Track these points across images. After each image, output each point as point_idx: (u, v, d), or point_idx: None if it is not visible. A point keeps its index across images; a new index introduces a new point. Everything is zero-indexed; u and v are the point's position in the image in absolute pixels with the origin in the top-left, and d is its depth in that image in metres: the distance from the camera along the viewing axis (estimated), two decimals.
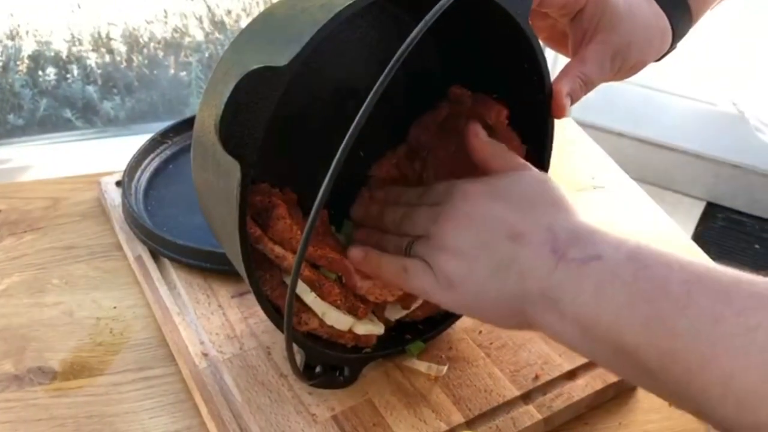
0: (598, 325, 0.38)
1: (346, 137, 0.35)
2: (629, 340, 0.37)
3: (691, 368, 0.34)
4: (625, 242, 0.39)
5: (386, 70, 0.35)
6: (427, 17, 0.36)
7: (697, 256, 0.65)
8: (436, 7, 0.36)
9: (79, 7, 1.44)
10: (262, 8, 1.47)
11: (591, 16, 0.51)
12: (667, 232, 0.78)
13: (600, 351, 0.39)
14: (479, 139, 0.49)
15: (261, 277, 0.48)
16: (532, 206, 0.43)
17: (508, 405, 0.54)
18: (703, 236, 1.85)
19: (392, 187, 0.55)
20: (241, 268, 0.45)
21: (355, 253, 0.49)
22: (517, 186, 0.45)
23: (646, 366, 0.36)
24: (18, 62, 1.45)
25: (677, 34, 0.55)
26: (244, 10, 1.60)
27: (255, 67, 0.38)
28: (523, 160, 0.48)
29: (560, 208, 0.43)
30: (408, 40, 0.35)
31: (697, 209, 1.94)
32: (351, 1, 0.39)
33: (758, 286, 0.34)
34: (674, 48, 0.57)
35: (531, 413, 0.53)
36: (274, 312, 0.47)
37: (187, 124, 0.79)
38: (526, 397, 0.55)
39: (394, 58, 0.35)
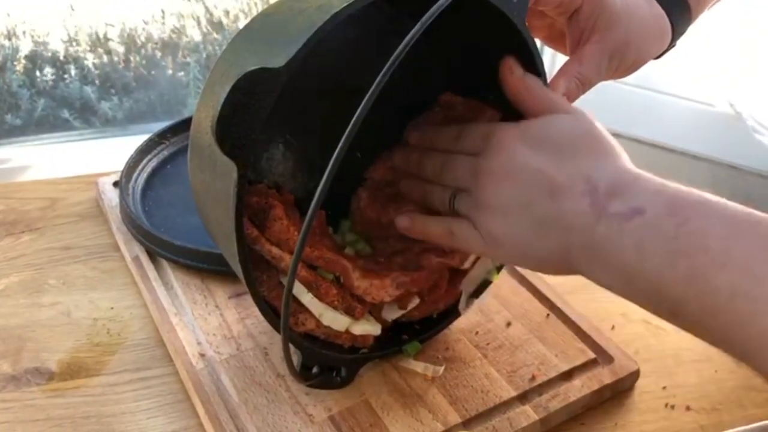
0: (640, 278, 0.38)
1: (343, 138, 0.35)
2: (670, 294, 0.37)
3: (731, 323, 0.35)
4: (664, 190, 0.39)
5: (383, 71, 0.35)
6: (424, 18, 0.36)
7: None
8: (433, 8, 0.36)
9: (73, 9, 1.43)
10: (260, 9, 1.47)
11: (588, 15, 0.51)
12: None
13: (644, 300, 0.40)
14: (513, 75, 0.46)
15: (258, 278, 0.48)
16: (569, 153, 0.42)
17: (505, 405, 0.54)
18: None
19: (427, 129, 0.54)
20: (238, 268, 0.45)
21: (402, 222, 0.51)
22: (552, 130, 0.43)
23: (688, 317, 0.37)
24: (15, 62, 1.45)
25: (676, 32, 0.55)
26: (242, 10, 1.60)
27: (252, 68, 0.38)
28: (557, 97, 0.46)
29: (599, 152, 0.42)
30: (405, 41, 0.35)
31: None
32: (348, 2, 0.39)
33: None
34: (673, 46, 0.57)
35: (527, 414, 0.53)
36: (271, 313, 0.47)
37: (185, 125, 0.79)
38: (523, 398, 0.55)
39: (391, 59, 0.35)
